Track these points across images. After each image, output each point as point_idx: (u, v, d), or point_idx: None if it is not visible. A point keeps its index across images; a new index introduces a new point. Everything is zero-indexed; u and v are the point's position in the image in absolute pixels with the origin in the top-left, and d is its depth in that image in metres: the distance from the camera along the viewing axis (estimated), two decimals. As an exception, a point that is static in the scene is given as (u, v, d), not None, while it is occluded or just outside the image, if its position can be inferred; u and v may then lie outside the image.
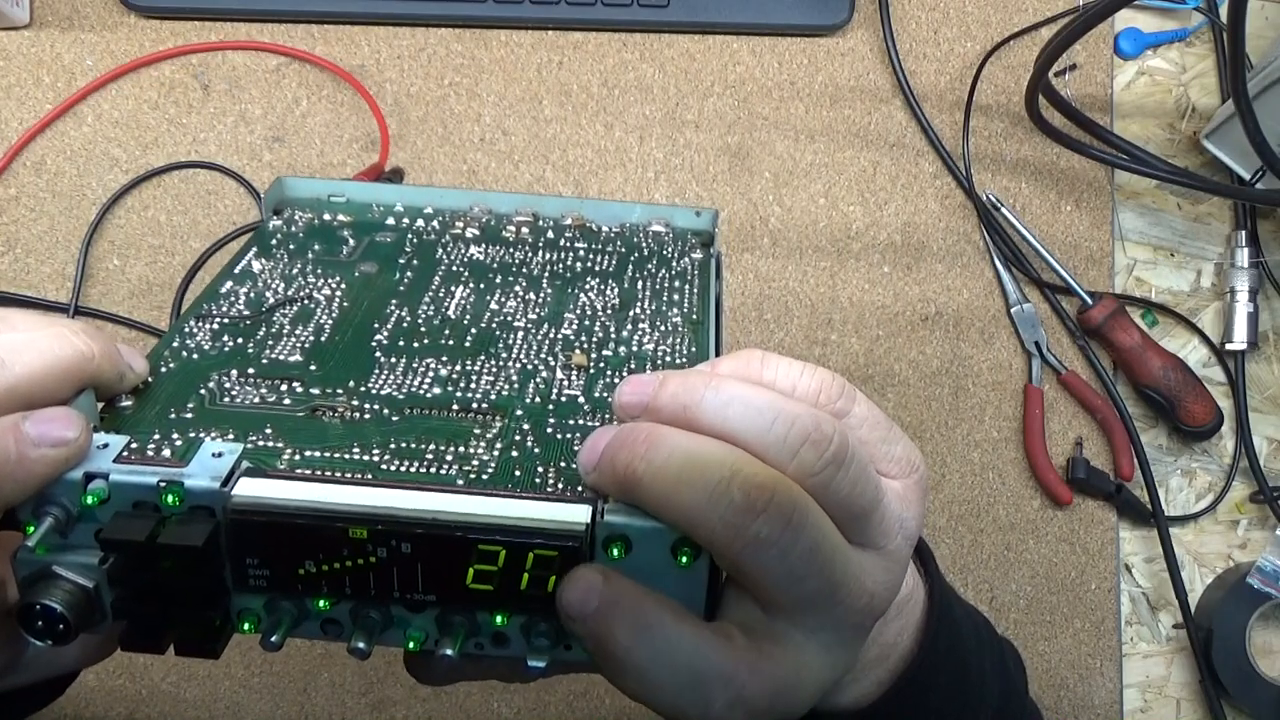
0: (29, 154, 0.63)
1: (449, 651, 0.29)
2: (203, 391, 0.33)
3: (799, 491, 0.27)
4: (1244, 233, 0.66)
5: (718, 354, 0.38)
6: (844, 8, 0.66)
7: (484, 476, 0.30)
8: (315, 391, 0.33)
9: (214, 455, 0.28)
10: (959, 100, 0.67)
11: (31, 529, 0.27)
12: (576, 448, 0.31)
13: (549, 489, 0.29)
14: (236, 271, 0.40)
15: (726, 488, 0.26)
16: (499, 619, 0.29)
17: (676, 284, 0.41)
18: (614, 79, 0.66)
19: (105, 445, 0.28)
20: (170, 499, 0.27)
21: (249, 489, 0.27)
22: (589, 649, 0.28)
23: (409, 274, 0.40)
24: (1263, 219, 0.66)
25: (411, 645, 0.29)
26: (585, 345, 0.37)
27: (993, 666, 0.39)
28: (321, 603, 0.29)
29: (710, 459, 0.26)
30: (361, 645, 0.29)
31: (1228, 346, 0.65)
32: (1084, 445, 0.65)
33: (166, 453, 0.29)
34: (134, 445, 0.29)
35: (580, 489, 0.29)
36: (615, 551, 0.27)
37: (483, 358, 0.35)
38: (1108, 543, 0.64)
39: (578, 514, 0.27)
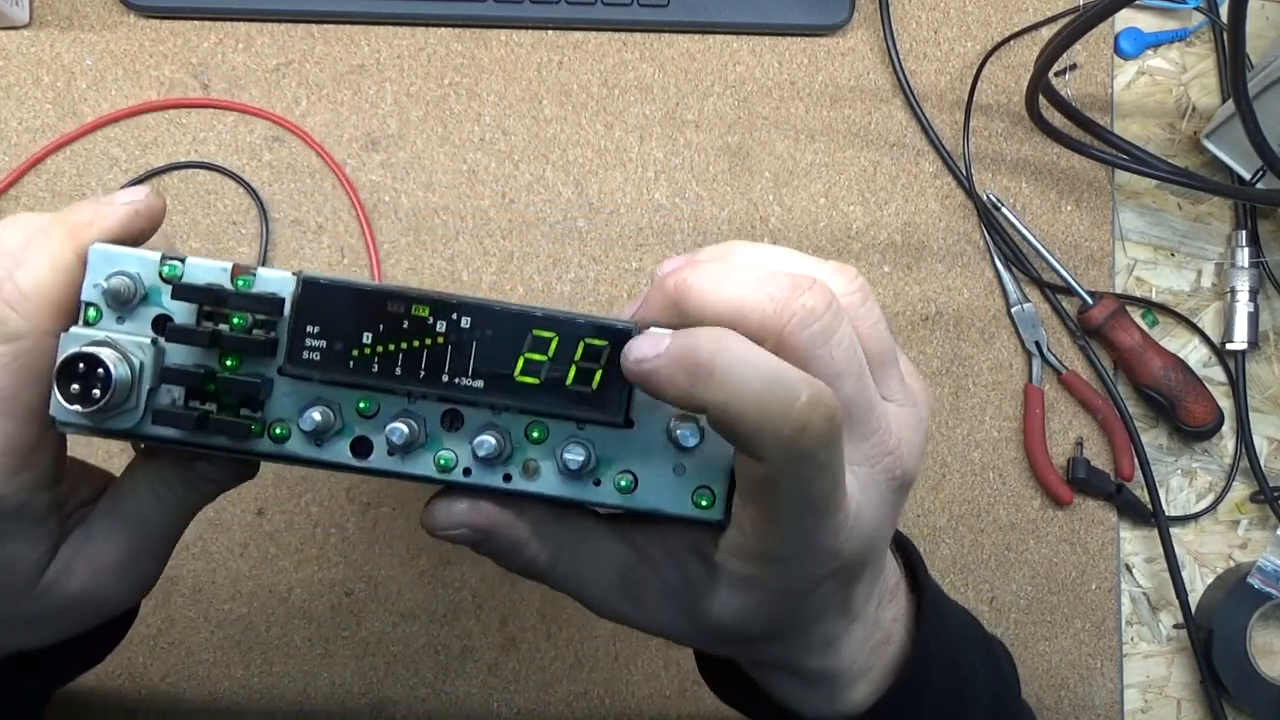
0: (29, 154, 0.63)
1: (489, 438, 0.29)
2: None
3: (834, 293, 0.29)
4: (1244, 233, 0.65)
5: None
6: (844, 8, 0.66)
7: None
8: None
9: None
10: (959, 100, 0.67)
11: (94, 313, 0.29)
12: None
13: None
14: None
15: (772, 278, 0.28)
16: (536, 432, 0.30)
17: None
18: (614, 79, 0.66)
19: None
20: (241, 282, 0.29)
21: (318, 274, 0.29)
22: (663, 379, 0.28)
23: None
24: (1263, 219, 0.66)
25: (442, 461, 0.30)
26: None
27: (984, 665, 0.39)
28: (362, 403, 0.30)
29: (753, 269, 0.29)
30: (401, 427, 0.29)
31: (1228, 346, 0.65)
32: (1084, 445, 0.65)
33: None
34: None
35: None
36: None
37: None
38: (1108, 543, 0.64)
39: (627, 323, 0.29)
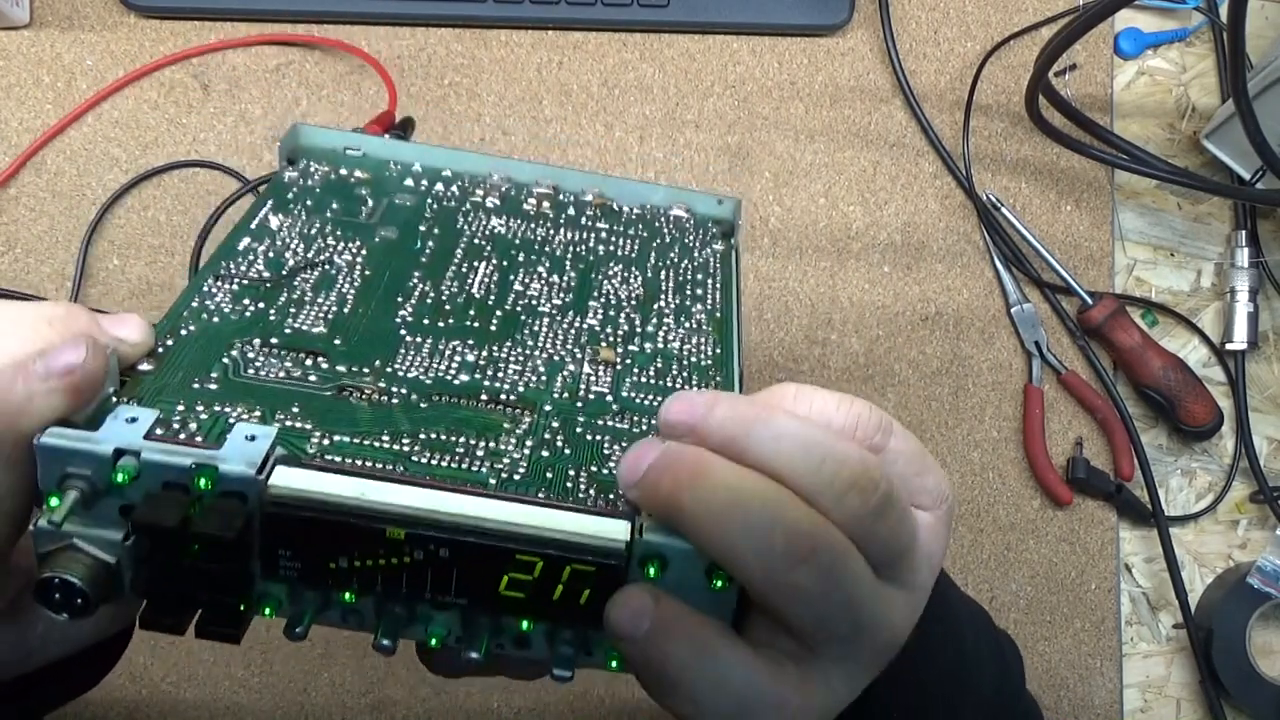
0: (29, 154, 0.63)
1: (474, 655, 0.29)
2: (225, 360, 0.32)
3: (840, 541, 0.27)
4: (1244, 233, 0.66)
5: (740, 356, 0.38)
6: (844, 8, 0.66)
7: (515, 477, 0.30)
8: (341, 369, 0.33)
9: (247, 439, 0.27)
10: (959, 100, 0.67)
11: (55, 501, 0.27)
12: (607, 451, 0.31)
13: (583, 494, 0.29)
14: (253, 227, 0.39)
15: (770, 532, 0.26)
16: (525, 624, 0.29)
17: (699, 277, 0.41)
18: (614, 79, 0.66)
19: (134, 419, 0.28)
20: (203, 482, 0.27)
21: (285, 479, 0.27)
22: (636, 669, 0.28)
23: (430, 243, 0.40)
24: (1263, 219, 0.66)
25: (434, 642, 0.29)
26: (611, 338, 0.37)
27: (989, 654, 0.39)
28: (348, 595, 0.28)
29: (755, 498, 0.26)
30: (386, 643, 0.29)
31: (1228, 346, 0.65)
32: (1084, 445, 0.65)
33: (194, 425, 0.29)
34: (162, 418, 0.28)
35: (617, 499, 0.29)
36: (651, 570, 0.27)
37: (509, 344, 0.35)
38: (1108, 543, 0.64)
39: (617, 530, 0.27)
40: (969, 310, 0.65)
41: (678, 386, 0.35)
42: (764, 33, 0.66)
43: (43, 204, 0.63)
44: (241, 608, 0.28)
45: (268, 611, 0.29)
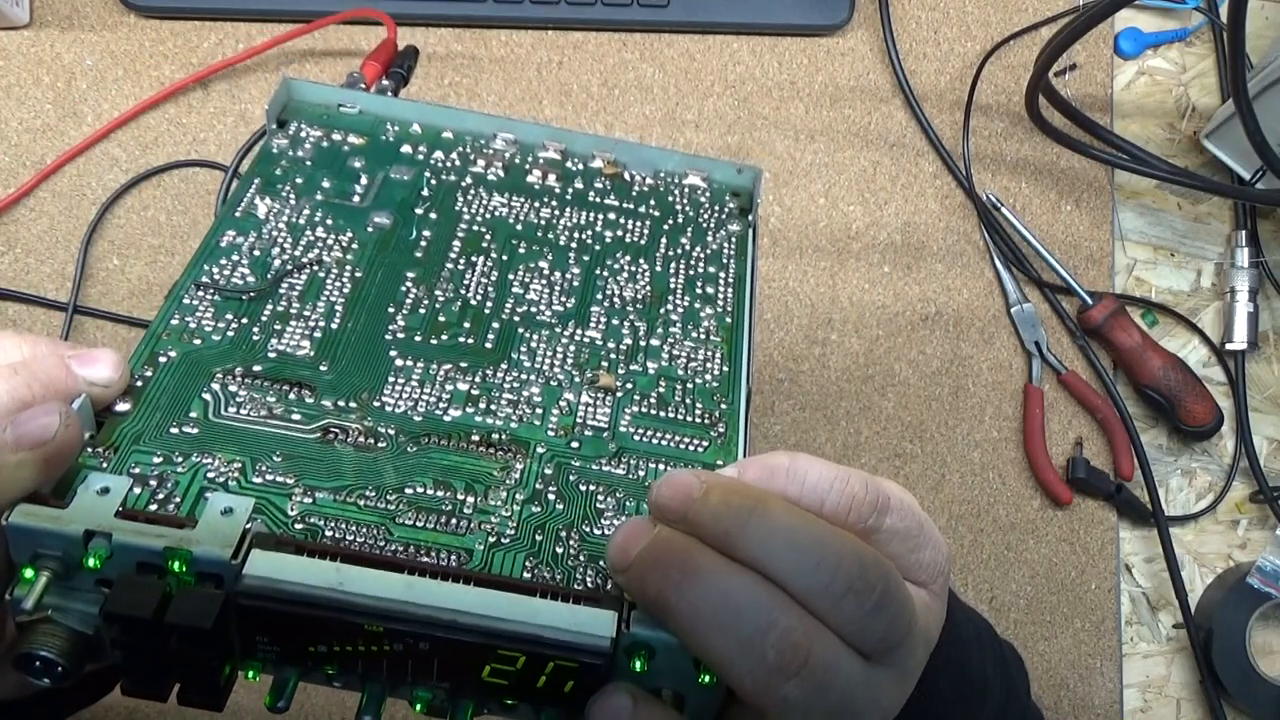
0: (29, 154, 0.63)
1: None
2: (206, 396, 0.31)
3: (834, 650, 0.26)
4: (1244, 233, 0.66)
5: (749, 373, 0.36)
6: (844, 8, 0.66)
7: (504, 540, 0.29)
8: (326, 404, 0.31)
9: (222, 513, 0.26)
10: (959, 100, 0.67)
11: (29, 574, 0.25)
12: (601, 505, 0.30)
13: (572, 562, 0.28)
14: (238, 215, 0.36)
15: (761, 641, 0.25)
16: (509, 701, 0.28)
17: (711, 270, 0.39)
18: (614, 79, 0.66)
19: (106, 490, 0.26)
20: (177, 566, 0.25)
21: (260, 567, 0.25)
22: None
23: (426, 232, 0.37)
24: (1263, 219, 0.66)
25: (419, 708, 0.28)
26: (613, 356, 0.35)
27: (995, 669, 0.39)
28: (330, 670, 0.28)
29: (746, 604, 0.25)
30: (369, 719, 0.28)
31: (1228, 346, 0.65)
32: (1084, 445, 0.65)
33: (171, 483, 0.27)
34: (139, 475, 0.27)
35: (604, 578, 0.28)
36: (638, 664, 0.27)
37: (504, 365, 0.34)
38: (1108, 543, 0.64)
39: (602, 625, 0.26)
40: (969, 310, 0.65)
41: (680, 417, 0.34)
42: (764, 33, 0.66)
43: (43, 204, 0.63)
44: (224, 675, 0.27)
45: (251, 675, 0.28)
